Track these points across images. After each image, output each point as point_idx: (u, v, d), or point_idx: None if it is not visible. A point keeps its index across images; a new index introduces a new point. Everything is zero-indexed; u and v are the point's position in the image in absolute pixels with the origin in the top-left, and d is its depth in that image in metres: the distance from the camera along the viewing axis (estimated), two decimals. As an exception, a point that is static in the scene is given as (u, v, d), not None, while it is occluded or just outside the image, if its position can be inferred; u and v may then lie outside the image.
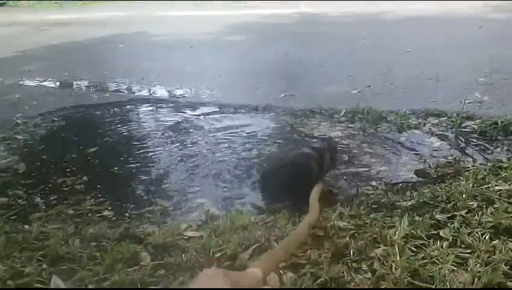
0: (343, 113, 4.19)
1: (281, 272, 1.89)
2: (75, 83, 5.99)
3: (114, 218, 2.54)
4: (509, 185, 2.53)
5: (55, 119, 4.33)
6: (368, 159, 3.26)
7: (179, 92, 5.31)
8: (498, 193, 2.43)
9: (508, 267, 1.84)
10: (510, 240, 2.02)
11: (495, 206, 2.30)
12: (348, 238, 2.08)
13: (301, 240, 0.61)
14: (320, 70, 6.07)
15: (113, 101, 4.93)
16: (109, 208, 2.65)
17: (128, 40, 9.12)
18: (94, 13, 14.14)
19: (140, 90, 5.50)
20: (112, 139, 3.79)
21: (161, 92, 5.40)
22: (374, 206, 2.45)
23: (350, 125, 3.95)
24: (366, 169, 3.10)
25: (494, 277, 1.75)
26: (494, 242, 1.99)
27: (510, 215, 2.20)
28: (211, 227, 2.28)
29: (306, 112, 4.29)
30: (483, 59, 6.13)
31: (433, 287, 1.71)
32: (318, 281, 1.82)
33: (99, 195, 2.80)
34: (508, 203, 2.33)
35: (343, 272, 1.84)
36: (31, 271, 1.96)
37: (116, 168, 3.21)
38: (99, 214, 2.58)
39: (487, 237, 2.02)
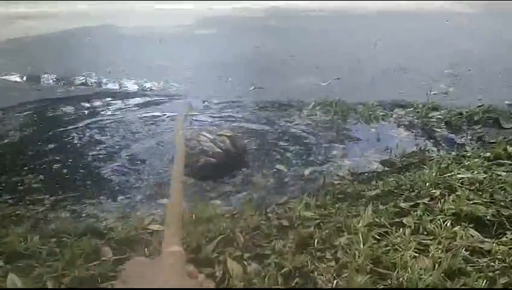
0: (312, 105, 4.20)
1: (245, 263, 1.88)
2: (40, 77, 5.81)
3: (74, 215, 2.45)
4: (472, 173, 2.58)
5: (17, 114, 4.18)
6: (336, 150, 3.27)
7: (146, 86, 5.21)
8: (460, 180, 2.48)
9: (468, 252, 1.88)
10: (471, 226, 2.06)
11: (457, 193, 2.33)
12: (312, 228, 2.08)
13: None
14: (290, 63, 6.07)
15: (78, 95, 4.80)
16: (70, 203, 2.57)
17: (95, 33, 8.90)
18: (60, 6, 13.73)
19: (106, 84, 5.38)
20: (74, 134, 3.68)
21: (128, 86, 5.29)
22: (339, 196, 2.46)
23: (318, 117, 3.95)
24: (333, 160, 3.11)
25: (454, 263, 1.78)
26: (455, 229, 2.02)
27: (471, 202, 2.24)
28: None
29: (274, 105, 4.28)
30: (450, 52, 6.26)
31: (395, 273, 1.72)
32: (282, 271, 1.81)
33: (59, 191, 2.71)
34: (470, 190, 2.37)
35: (307, 262, 1.84)
36: (-14, 268, 1.89)
37: (76, 164, 3.11)
38: (61, 210, 2.50)
39: (448, 224, 2.05)
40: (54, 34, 8.93)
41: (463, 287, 1.66)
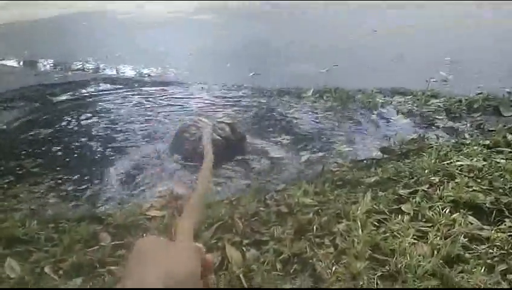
0: (311, 92, 4.18)
1: (244, 249, 1.88)
2: (37, 62, 5.75)
3: (73, 202, 2.43)
4: (471, 160, 2.57)
5: (13, 98, 4.14)
6: (335, 137, 3.26)
7: (144, 71, 5.17)
8: (459, 168, 2.47)
9: (466, 239, 1.88)
10: (469, 213, 2.06)
11: (456, 181, 2.33)
12: (311, 215, 2.08)
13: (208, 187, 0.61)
14: (289, 49, 6.02)
15: (74, 80, 4.75)
16: (68, 189, 2.55)
17: (91, 18, 8.82)
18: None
19: (104, 70, 5.33)
20: (71, 119, 3.65)
21: (126, 71, 5.24)
22: (338, 183, 2.45)
23: (317, 104, 3.93)
24: (333, 147, 3.10)
25: (453, 249, 1.78)
26: (453, 216, 2.02)
27: (470, 189, 2.24)
28: (174, 206, 2.24)
29: (273, 91, 4.26)
30: (449, 39, 6.22)
31: (393, 260, 1.72)
32: (281, 257, 1.81)
33: (57, 176, 2.69)
34: (469, 177, 2.37)
35: (306, 248, 1.84)
36: (-15, 254, 1.88)
37: (73, 149, 3.10)
38: (59, 194, 2.49)
39: (447, 211, 2.05)
40: (50, 18, 8.83)
41: (461, 274, 1.66)
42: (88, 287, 1.72)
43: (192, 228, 0.63)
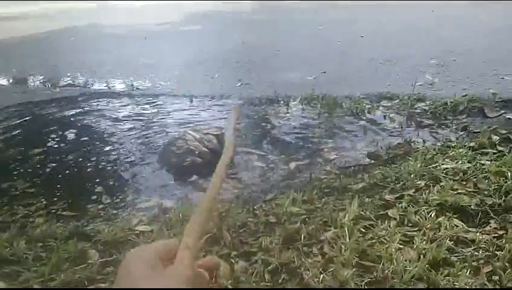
0: (298, 100, 4.21)
1: (233, 261, 1.89)
2: (26, 79, 5.73)
3: (61, 221, 2.41)
4: (456, 163, 2.60)
5: (1, 118, 4.13)
6: (323, 144, 3.28)
7: (134, 84, 5.17)
8: (445, 171, 2.50)
9: (452, 242, 1.90)
10: (455, 216, 2.08)
11: (441, 184, 2.35)
12: (299, 224, 2.09)
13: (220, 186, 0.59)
14: (276, 57, 6.06)
15: (63, 96, 4.75)
16: (56, 207, 2.55)
17: (79, 32, 8.83)
18: (39, 5, 13.50)
19: (92, 84, 5.33)
20: (59, 137, 3.64)
21: (115, 85, 5.24)
22: (326, 190, 2.47)
23: (305, 112, 3.96)
24: (321, 154, 3.12)
25: (439, 253, 1.80)
26: (439, 219, 2.04)
27: (455, 192, 2.26)
28: (163, 220, 2.24)
29: (262, 100, 4.29)
30: (435, 41, 6.29)
31: (380, 266, 1.74)
32: (269, 268, 1.82)
33: (45, 196, 2.68)
34: (454, 180, 2.39)
35: (294, 257, 1.85)
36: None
37: (63, 168, 3.09)
38: (47, 213, 2.48)
39: (433, 215, 2.07)
40: (37, 34, 8.82)
41: (447, 277, 1.68)
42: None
43: (200, 232, 0.60)
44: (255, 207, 2.35)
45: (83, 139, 3.57)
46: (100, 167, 3.07)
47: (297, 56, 6.03)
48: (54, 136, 3.66)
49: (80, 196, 2.69)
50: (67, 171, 3.03)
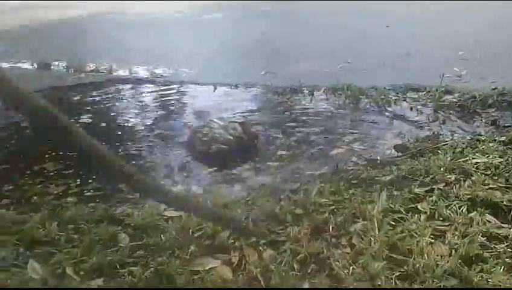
0: (323, 89, 4.17)
1: (261, 249, 1.89)
2: (47, 64, 5.80)
3: (92, 202, 2.46)
4: (487, 157, 2.55)
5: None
6: (349, 136, 3.25)
7: (157, 71, 5.19)
8: (475, 165, 2.46)
9: (484, 238, 1.87)
10: (487, 211, 2.05)
11: (472, 178, 2.32)
12: (327, 214, 2.08)
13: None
14: (300, 47, 6.00)
15: (90, 82, 4.80)
16: (87, 190, 2.59)
17: (100, 21, 8.84)
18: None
19: (117, 70, 5.37)
20: (88, 119, 3.69)
21: (139, 72, 5.28)
22: (353, 181, 2.45)
23: (330, 102, 3.93)
24: (347, 145, 3.10)
25: (471, 249, 1.77)
26: (471, 214, 2.01)
27: (487, 187, 2.23)
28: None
29: (286, 89, 4.27)
30: (464, 33, 6.15)
31: (411, 260, 1.72)
32: (298, 258, 1.82)
33: (76, 178, 2.73)
34: (485, 175, 2.36)
35: (323, 248, 1.85)
36: (7, 255, 1.92)
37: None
38: (79, 197, 2.53)
39: (464, 210, 2.05)
40: (60, 21, 8.86)
41: (480, 273, 1.66)
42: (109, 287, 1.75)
43: None
44: (282, 197, 2.35)
45: (110, 124, 3.62)
46: (128, 152, 3.11)
47: (320, 47, 5.96)
48: (85, 119, 3.70)
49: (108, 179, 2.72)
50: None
